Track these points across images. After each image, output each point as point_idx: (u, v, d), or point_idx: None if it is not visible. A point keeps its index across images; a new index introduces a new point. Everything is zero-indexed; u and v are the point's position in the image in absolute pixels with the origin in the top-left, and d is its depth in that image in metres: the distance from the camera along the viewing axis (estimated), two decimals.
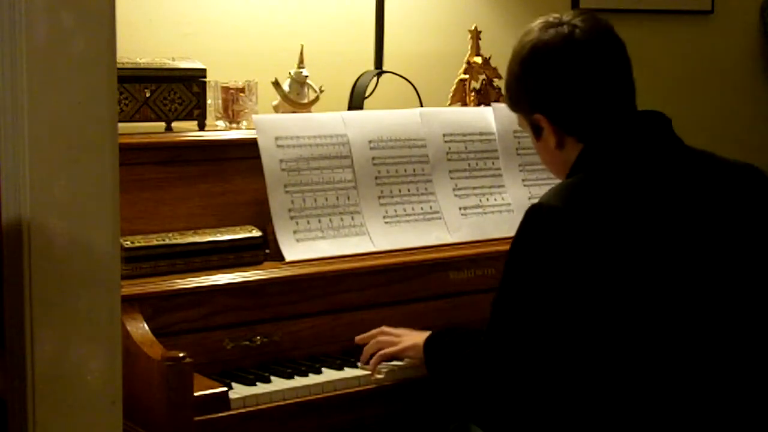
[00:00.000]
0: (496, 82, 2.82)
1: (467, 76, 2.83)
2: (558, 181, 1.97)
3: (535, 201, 1.86)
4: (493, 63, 2.83)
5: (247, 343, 2.16)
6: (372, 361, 2.14)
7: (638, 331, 1.76)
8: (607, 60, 1.93)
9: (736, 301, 1.83)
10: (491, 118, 2.69)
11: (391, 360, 2.18)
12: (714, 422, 1.79)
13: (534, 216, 1.81)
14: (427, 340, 2.07)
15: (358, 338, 2.23)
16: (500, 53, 2.87)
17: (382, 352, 2.15)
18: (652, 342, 1.77)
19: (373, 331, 2.22)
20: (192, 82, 2.40)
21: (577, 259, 1.76)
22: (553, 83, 1.92)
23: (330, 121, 2.46)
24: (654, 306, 1.77)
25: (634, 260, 1.77)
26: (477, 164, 2.62)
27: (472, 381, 1.87)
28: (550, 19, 1.95)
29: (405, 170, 2.51)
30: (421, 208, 2.51)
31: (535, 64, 1.93)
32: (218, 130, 2.42)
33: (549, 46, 1.92)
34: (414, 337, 2.13)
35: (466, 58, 2.84)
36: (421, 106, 2.79)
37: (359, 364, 2.17)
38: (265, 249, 2.28)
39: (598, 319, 1.76)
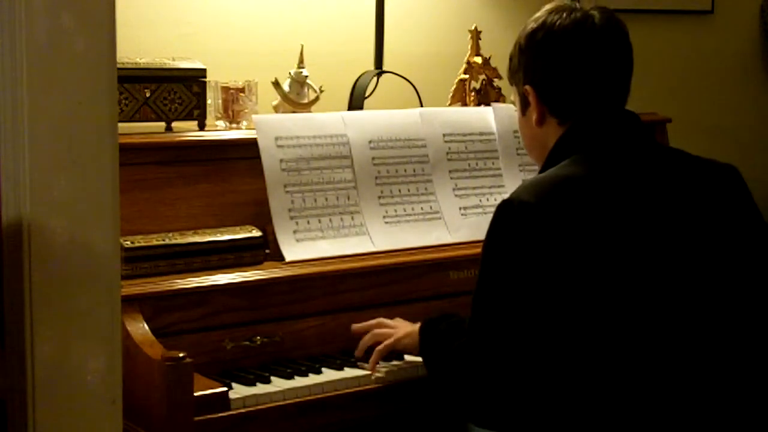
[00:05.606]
0: (496, 82, 2.82)
1: (467, 76, 2.83)
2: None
3: None
4: (493, 63, 2.83)
5: (248, 343, 2.16)
6: (371, 359, 2.15)
7: (609, 322, 1.77)
8: (610, 56, 1.95)
9: (707, 295, 1.84)
10: (491, 118, 2.69)
11: (390, 360, 2.19)
12: (691, 406, 1.80)
13: (505, 211, 1.83)
14: (423, 326, 2.08)
15: (354, 327, 2.23)
16: (500, 53, 2.87)
17: (379, 347, 2.15)
18: (626, 333, 1.78)
19: (370, 322, 2.22)
20: (192, 82, 2.40)
21: (548, 253, 1.77)
22: (552, 62, 1.95)
23: (330, 121, 2.46)
24: (624, 297, 1.78)
25: (604, 255, 1.78)
26: (477, 164, 2.62)
27: (456, 376, 1.88)
28: (567, 3, 1.99)
29: (405, 170, 2.51)
30: (421, 208, 2.51)
31: (542, 39, 1.96)
32: (218, 130, 2.42)
33: (560, 26, 1.95)
34: (410, 326, 2.16)
35: (466, 58, 2.84)
36: (421, 106, 2.79)
37: (359, 364, 2.17)
38: (265, 249, 2.28)
39: (571, 312, 1.77)
